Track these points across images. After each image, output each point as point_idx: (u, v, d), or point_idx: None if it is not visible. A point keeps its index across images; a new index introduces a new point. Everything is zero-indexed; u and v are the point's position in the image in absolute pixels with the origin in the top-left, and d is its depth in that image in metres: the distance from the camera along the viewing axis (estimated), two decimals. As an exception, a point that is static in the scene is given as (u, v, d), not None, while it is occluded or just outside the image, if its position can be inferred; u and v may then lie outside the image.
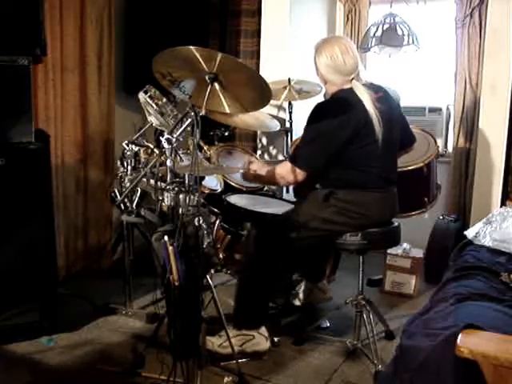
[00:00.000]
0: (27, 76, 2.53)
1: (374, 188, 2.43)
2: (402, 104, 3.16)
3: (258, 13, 3.98)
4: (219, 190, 3.04)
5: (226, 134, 3.51)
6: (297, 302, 2.98)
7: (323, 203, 2.42)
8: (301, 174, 2.38)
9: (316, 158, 2.38)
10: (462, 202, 3.85)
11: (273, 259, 2.48)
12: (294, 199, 3.01)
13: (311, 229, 2.44)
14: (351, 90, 2.39)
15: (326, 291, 3.03)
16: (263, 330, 2.52)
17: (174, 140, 2.20)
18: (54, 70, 3.20)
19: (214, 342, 2.45)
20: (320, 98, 3.45)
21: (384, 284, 3.40)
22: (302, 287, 2.99)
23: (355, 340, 2.56)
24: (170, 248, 1.94)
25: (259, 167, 2.58)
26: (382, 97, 2.44)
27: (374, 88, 2.44)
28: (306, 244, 2.52)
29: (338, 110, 2.34)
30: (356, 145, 2.34)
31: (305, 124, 2.43)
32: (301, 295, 2.99)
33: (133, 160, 2.75)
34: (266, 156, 4.10)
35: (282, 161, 3.41)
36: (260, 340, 2.50)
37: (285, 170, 2.42)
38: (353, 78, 2.40)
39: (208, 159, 3.11)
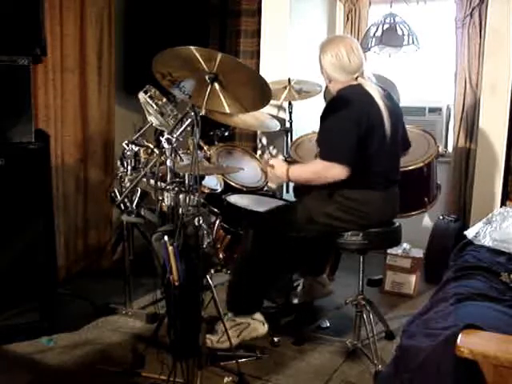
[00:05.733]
0: (27, 76, 2.53)
1: (377, 187, 2.43)
2: (402, 104, 3.17)
3: (258, 13, 3.99)
4: (219, 190, 3.04)
5: (226, 134, 3.52)
6: (296, 301, 2.97)
7: (327, 199, 2.42)
8: (340, 168, 2.27)
9: (349, 149, 2.29)
10: (462, 202, 3.85)
11: (271, 253, 2.49)
12: (294, 199, 3.01)
13: (313, 222, 2.44)
14: (360, 85, 2.40)
15: (325, 285, 3.03)
16: (258, 315, 2.53)
17: (173, 140, 2.20)
18: (53, 70, 3.20)
19: (213, 339, 2.46)
20: (320, 98, 3.46)
21: (384, 284, 3.40)
22: (301, 285, 2.99)
23: (355, 340, 2.56)
24: (170, 248, 1.94)
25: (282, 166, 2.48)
26: (388, 95, 2.46)
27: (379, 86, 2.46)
28: (306, 237, 2.51)
29: (351, 103, 2.33)
30: (369, 139, 2.33)
31: (320, 122, 2.41)
32: (300, 294, 2.98)
33: (133, 160, 2.75)
34: (265, 156, 4.09)
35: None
36: (256, 325, 2.51)
37: (321, 168, 2.33)
38: (358, 77, 2.41)
39: (208, 159, 3.11)
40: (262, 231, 2.53)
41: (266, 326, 2.54)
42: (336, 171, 2.28)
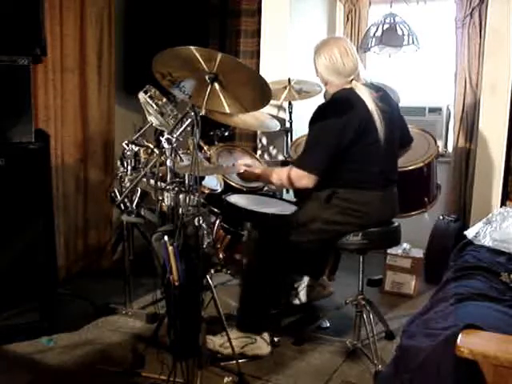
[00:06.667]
0: (27, 76, 2.53)
1: (374, 187, 2.43)
2: (402, 104, 3.17)
3: (258, 13, 3.99)
4: (219, 190, 3.04)
5: (226, 134, 3.52)
6: (297, 302, 2.98)
7: (325, 204, 2.42)
8: (311, 179, 2.35)
9: (323, 161, 2.35)
10: (462, 202, 3.85)
11: (275, 261, 2.48)
12: (294, 199, 3.01)
13: (313, 231, 2.44)
14: (352, 89, 2.39)
15: (326, 286, 3.03)
16: (265, 335, 2.53)
17: (173, 140, 2.20)
18: (53, 70, 3.20)
19: (216, 342, 2.46)
20: (320, 98, 3.46)
21: (384, 284, 3.40)
22: (303, 285, 2.99)
23: (355, 340, 2.56)
24: (170, 248, 1.94)
25: (257, 169, 2.60)
26: (382, 96, 2.45)
27: (374, 88, 2.45)
28: (309, 245, 2.51)
29: (340, 110, 2.33)
30: (359, 145, 2.34)
31: (308, 126, 2.42)
32: (301, 294, 2.99)
33: (133, 160, 2.75)
34: (266, 156, 4.10)
35: (284, 163, 3.44)
36: (261, 344, 2.50)
37: (293, 176, 2.39)
38: (353, 79, 2.40)
39: (208, 159, 3.11)
40: (266, 235, 2.52)
41: (270, 348, 2.53)
42: (305, 181, 2.37)
